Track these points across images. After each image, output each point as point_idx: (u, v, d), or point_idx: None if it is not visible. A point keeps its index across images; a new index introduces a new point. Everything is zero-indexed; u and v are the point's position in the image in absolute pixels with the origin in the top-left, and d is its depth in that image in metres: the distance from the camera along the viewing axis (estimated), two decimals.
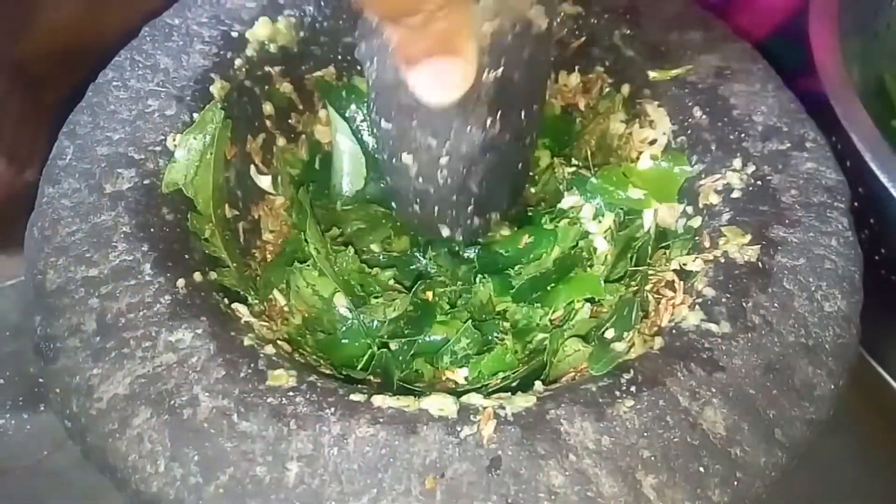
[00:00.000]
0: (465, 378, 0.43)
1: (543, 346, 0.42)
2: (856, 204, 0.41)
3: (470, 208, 0.42)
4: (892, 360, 0.48)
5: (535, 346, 0.44)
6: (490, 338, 0.44)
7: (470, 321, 0.44)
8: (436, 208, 0.42)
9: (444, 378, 0.43)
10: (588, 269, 0.46)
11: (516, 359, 0.43)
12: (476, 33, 0.29)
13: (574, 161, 0.49)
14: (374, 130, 0.42)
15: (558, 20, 0.48)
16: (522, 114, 0.40)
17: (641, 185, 0.45)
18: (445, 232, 0.44)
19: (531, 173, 0.49)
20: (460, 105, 0.29)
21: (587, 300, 0.44)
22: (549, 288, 0.45)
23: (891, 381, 0.49)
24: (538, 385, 0.37)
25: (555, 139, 0.51)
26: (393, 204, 0.46)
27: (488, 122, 0.37)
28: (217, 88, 0.43)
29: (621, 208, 0.46)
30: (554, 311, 0.45)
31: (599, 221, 0.46)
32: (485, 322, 0.45)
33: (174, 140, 0.41)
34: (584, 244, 0.47)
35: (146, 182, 0.39)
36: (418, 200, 0.42)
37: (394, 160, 0.41)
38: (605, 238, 0.46)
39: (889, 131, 0.44)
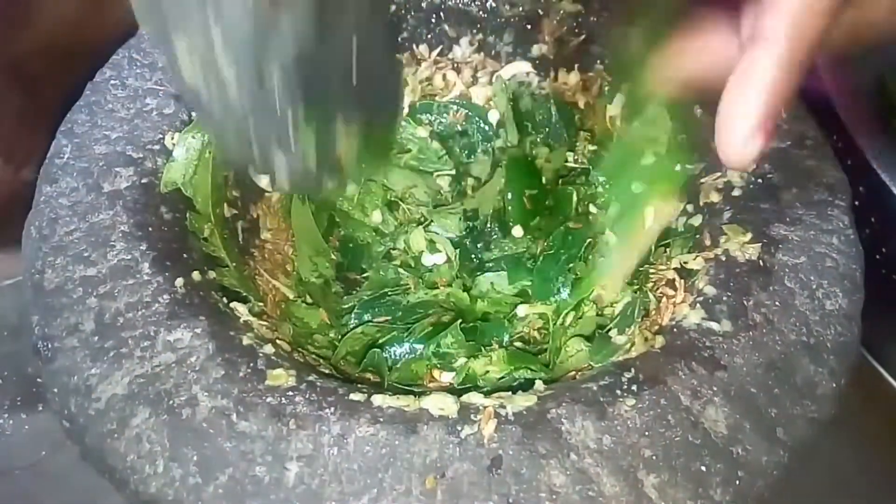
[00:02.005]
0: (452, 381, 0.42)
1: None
2: (857, 203, 0.41)
3: (290, 119, 0.30)
4: (894, 359, 0.48)
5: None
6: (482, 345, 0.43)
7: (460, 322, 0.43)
8: (253, 123, 0.30)
9: (437, 379, 0.43)
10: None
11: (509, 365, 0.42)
12: None
13: (574, 157, 0.49)
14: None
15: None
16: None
17: (643, 182, 0.45)
18: (279, 158, 0.31)
19: None
20: None
21: (592, 301, 0.44)
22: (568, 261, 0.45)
23: (891, 380, 0.49)
24: (539, 384, 0.37)
25: (554, 136, 0.51)
26: (211, 139, 0.39)
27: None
28: None
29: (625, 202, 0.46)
30: (581, 303, 0.44)
31: (606, 212, 0.46)
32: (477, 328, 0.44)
33: (172, 139, 0.41)
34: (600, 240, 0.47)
35: (144, 181, 0.39)
36: (212, 122, 0.31)
37: (172, 63, 0.29)
38: (612, 230, 0.46)
39: (890, 130, 0.44)
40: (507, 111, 0.50)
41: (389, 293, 0.46)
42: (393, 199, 0.51)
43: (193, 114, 0.41)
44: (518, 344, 0.44)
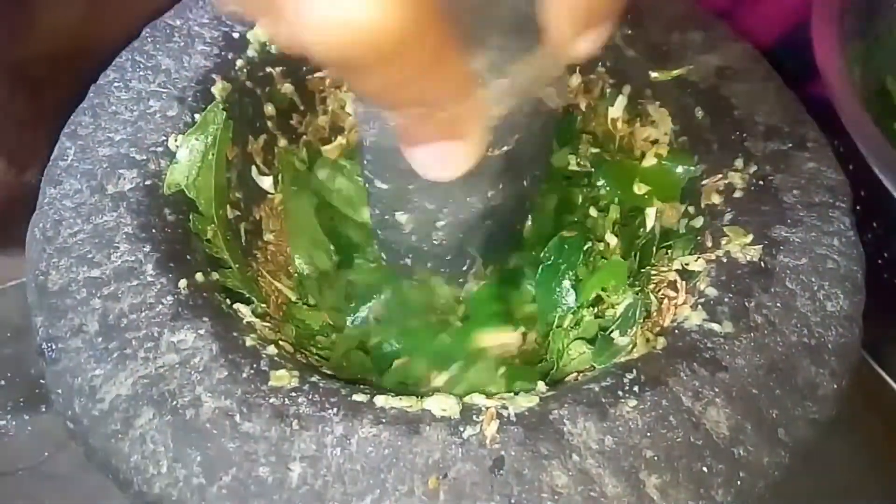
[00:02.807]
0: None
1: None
2: (858, 208, 0.41)
3: (465, 267, 0.41)
4: (894, 362, 0.48)
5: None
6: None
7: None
8: (428, 265, 0.41)
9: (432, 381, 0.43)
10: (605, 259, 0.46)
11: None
12: (485, 117, 0.27)
13: (576, 160, 0.49)
14: (367, 186, 0.40)
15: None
16: (526, 181, 0.39)
17: (645, 183, 0.45)
18: (440, 286, 0.43)
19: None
20: (462, 178, 0.28)
21: (591, 304, 0.44)
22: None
23: (892, 382, 0.49)
24: (541, 385, 0.37)
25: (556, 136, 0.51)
26: (383, 255, 0.45)
27: (490, 193, 0.37)
28: (218, 89, 0.43)
29: (625, 204, 0.46)
30: (584, 305, 0.44)
31: (606, 214, 0.47)
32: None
33: (176, 141, 0.41)
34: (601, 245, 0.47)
35: (148, 183, 0.39)
36: (411, 255, 0.41)
37: (386, 216, 0.39)
38: (613, 232, 0.46)
39: (891, 133, 0.44)
40: None
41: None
42: None
43: (197, 116, 0.42)
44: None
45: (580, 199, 0.48)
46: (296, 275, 0.46)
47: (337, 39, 0.20)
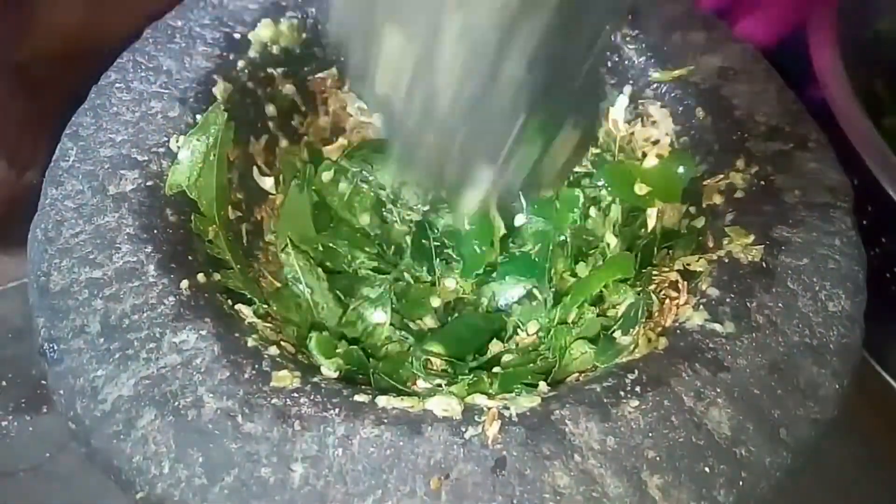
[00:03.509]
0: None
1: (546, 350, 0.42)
2: (864, 222, 0.41)
3: (516, 128, 0.27)
4: (895, 362, 0.48)
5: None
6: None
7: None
8: (464, 134, 0.28)
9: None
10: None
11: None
12: None
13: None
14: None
15: None
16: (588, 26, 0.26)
17: (646, 184, 0.45)
18: (484, 173, 0.29)
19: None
20: None
21: (591, 303, 0.44)
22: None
23: (893, 382, 0.49)
24: (542, 385, 0.37)
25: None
26: (398, 156, 0.32)
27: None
28: (220, 90, 0.43)
29: (626, 204, 0.46)
30: (588, 300, 0.44)
31: (607, 214, 0.46)
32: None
33: (177, 142, 0.41)
34: (601, 245, 0.47)
35: (149, 184, 0.39)
36: (440, 128, 0.28)
37: (373, 44, 0.26)
38: (613, 233, 0.46)
39: (881, 130, 0.44)
40: None
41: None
42: (383, 199, 0.50)
43: (198, 117, 0.42)
44: (512, 346, 0.44)
45: (581, 200, 0.48)
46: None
47: None
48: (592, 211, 0.48)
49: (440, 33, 0.24)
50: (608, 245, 0.46)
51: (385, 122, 0.31)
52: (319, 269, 0.45)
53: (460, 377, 0.41)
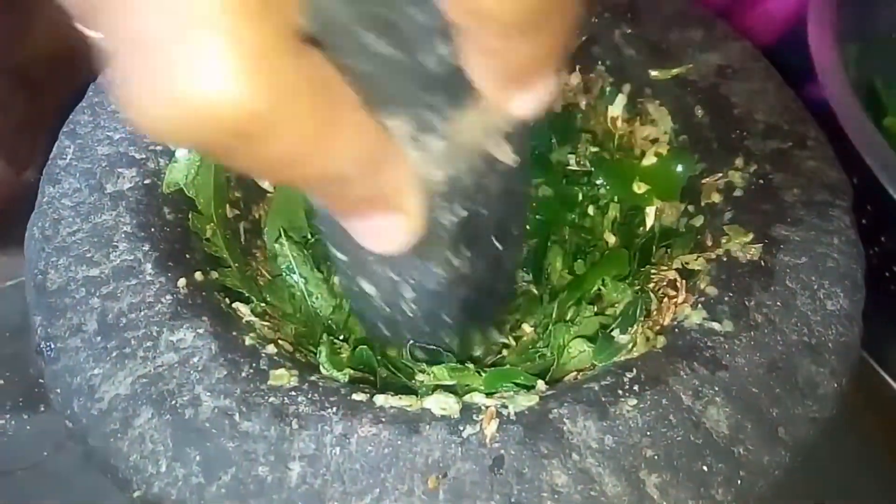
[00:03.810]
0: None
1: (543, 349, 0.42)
2: (864, 221, 0.41)
3: (444, 333, 0.38)
4: (893, 361, 0.48)
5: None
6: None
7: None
8: (406, 334, 0.38)
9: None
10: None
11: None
12: (423, 183, 0.24)
13: (576, 159, 0.49)
14: (328, 255, 0.37)
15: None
16: (500, 244, 0.35)
17: (644, 182, 0.45)
18: (420, 354, 0.39)
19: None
20: (416, 247, 0.25)
21: (590, 302, 0.44)
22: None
23: (891, 381, 0.49)
24: (540, 384, 0.37)
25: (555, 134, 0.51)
26: (358, 326, 0.42)
27: (455, 262, 0.33)
28: None
29: (625, 203, 0.46)
30: (585, 297, 0.44)
31: (605, 213, 0.46)
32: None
33: None
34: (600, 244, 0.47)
35: (147, 182, 0.39)
36: (386, 324, 0.38)
37: (353, 287, 0.36)
38: (612, 231, 0.46)
39: (881, 130, 0.44)
40: None
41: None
42: None
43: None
44: (507, 341, 0.44)
45: (580, 198, 0.48)
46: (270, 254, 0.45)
47: (195, 122, 0.17)
48: (591, 209, 0.48)
49: (399, 290, 0.34)
50: (607, 243, 0.46)
51: (362, 317, 0.41)
52: (312, 260, 0.45)
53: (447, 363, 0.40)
